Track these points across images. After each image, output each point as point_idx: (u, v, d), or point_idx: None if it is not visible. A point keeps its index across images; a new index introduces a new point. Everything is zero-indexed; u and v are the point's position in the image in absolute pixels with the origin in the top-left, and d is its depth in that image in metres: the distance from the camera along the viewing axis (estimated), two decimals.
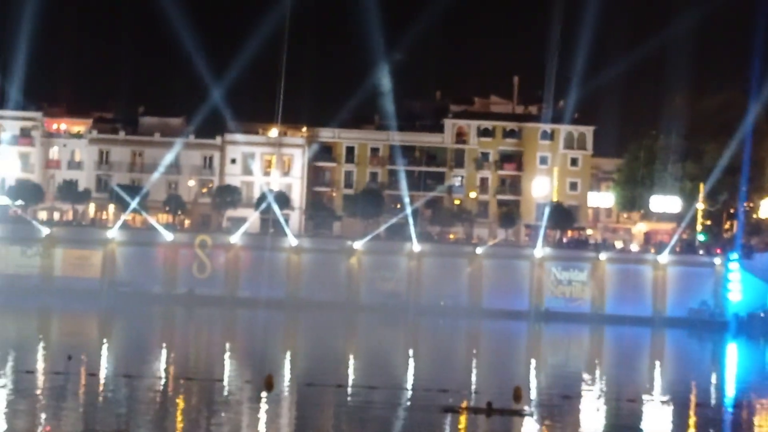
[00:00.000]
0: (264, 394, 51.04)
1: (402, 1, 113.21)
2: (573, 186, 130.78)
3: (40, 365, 61.26)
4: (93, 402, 48.23)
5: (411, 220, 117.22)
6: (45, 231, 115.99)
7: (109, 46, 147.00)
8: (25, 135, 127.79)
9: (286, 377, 59.74)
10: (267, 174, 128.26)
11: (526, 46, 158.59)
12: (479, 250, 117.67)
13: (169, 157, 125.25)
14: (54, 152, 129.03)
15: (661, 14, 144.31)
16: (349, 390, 55.60)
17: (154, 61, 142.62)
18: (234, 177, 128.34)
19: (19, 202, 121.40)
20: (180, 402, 50.04)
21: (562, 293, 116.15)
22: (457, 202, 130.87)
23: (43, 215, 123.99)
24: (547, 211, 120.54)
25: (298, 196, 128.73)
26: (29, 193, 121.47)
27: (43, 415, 44.01)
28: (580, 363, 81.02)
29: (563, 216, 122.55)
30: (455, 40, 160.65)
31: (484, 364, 74.98)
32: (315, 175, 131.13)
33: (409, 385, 59.52)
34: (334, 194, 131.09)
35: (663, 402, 57.47)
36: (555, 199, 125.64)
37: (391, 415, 48.34)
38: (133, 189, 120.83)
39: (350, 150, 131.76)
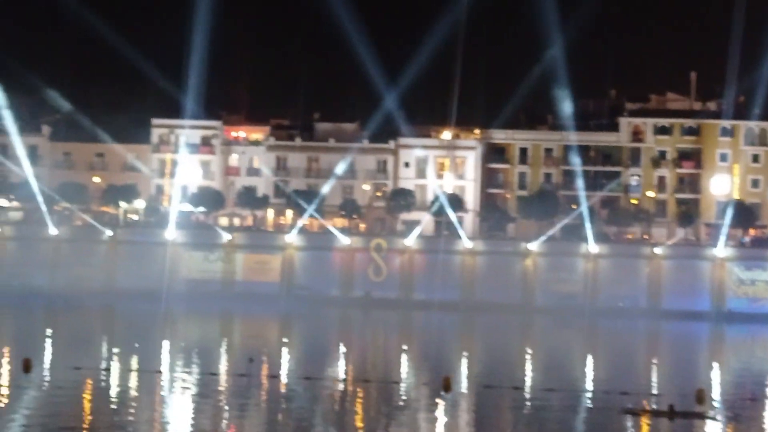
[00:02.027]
0: (442, 395, 51.09)
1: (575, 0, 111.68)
2: (755, 183, 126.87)
3: (223, 367, 62.72)
4: (274, 403, 49.13)
5: (587, 221, 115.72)
6: (226, 237, 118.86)
7: (285, 55, 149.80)
8: (205, 143, 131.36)
9: (463, 379, 59.67)
10: (440, 177, 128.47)
11: (703, 41, 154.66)
12: (658, 250, 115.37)
13: (343, 163, 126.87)
14: (233, 159, 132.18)
15: None
16: (527, 392, 55.18)
17: (328, 67, 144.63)
18: (408, 180, 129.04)
19: (201, 208, 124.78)
20: (359, 404, 50.52)
21: (744, 293, 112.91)
22: (634, 201, 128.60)
23: (223, 221, 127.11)
24: (728, 209, 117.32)
25: (471, 198, 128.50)
26: (210, 199, 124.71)
27: (226, 416, 45.04)
28: (765, 365, 78.51)
29: (745, 214, 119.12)
30: (629, 37, 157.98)
31: (664, 366, 73.42)
32: (488, 177, 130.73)
33: (588, 387, 58.71)
34: (507, 196, 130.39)
35: None
36: (736, 197, 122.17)
37: (570, 417, 47.75)
38: (309, 194, 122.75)
39: (523, 151, 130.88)
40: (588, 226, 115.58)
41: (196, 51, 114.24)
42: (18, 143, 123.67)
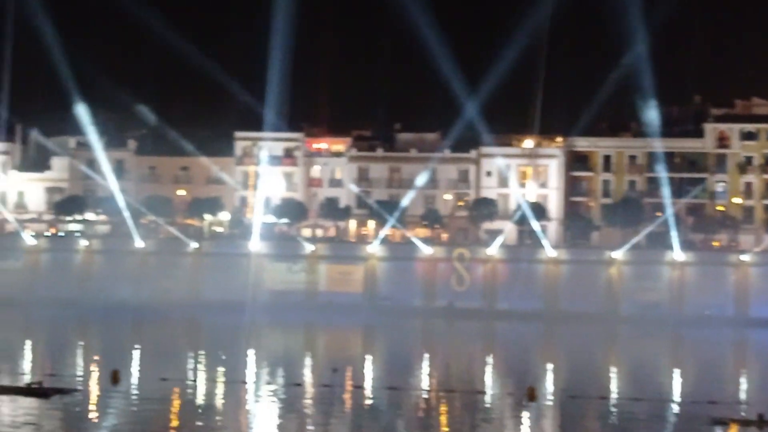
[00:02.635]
0: (526, 405, 50.79)
1: (659, 3, 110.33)
2: None
3: (308, 378, 63.02)
4: (359, 413, 49.24)
5: (672, 228, 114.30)
6: (309, 248, 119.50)
7: (366, 66, 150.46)
8: (288, 155, 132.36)
9: (548, 389, 59.26)
10: (523, 185, 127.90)
11: None
12: (745, 258, 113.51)
13: (425, 173, 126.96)
14: (316, 171, 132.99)
15: None
16: (613, 402, 54.58)
17: (409, 77, 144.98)
18: (490, 189, 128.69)
19: (284, 220, 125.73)
20: (443, 414, 50.42)
21: None
22: (720, 208, 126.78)
23: (306, 232, 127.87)
24: None
25: (554, 206, 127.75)
26: (293, 211, 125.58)
27: (311, 426, 45.23)
28: None
29: None
30: (713, 42, 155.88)
31: (753, 375, 72.18)
32: (571, 185, 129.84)
33: (675, 396, 57.94)
34: (591, 204, 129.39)
35: None
36: None
37: (657, 427, 47.18)
38: (391, 204, 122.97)
39: (607, 158, 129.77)
40: (673, 233, 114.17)
41: (277, 64, 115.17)
42: (105, 158, 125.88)
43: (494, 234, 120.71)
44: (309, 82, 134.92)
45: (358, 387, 57.29)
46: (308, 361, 73.80)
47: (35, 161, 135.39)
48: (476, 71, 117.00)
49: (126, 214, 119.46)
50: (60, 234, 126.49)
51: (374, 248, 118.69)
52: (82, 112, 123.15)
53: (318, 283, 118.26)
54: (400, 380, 59.25)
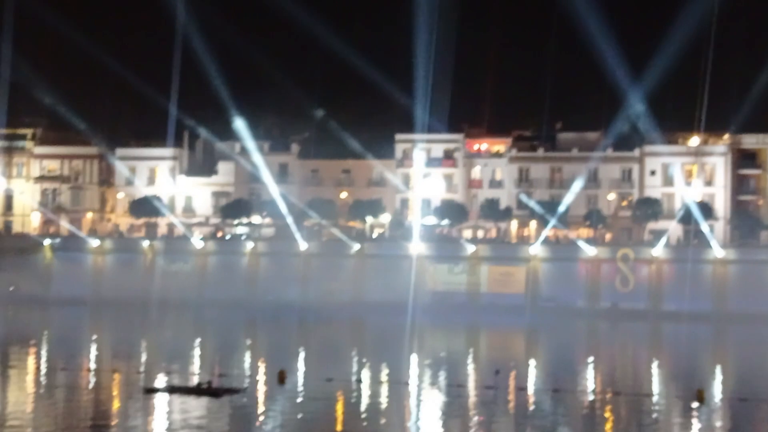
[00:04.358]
0: (695, 408, 49.65)
1: None
2: None
3: (470, 379, 62.94)
4: (522, 415, 48.94)
5: None
6: (470, 249, 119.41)
7: (526, 65, 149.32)
8: (448, 157, 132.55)
9: (717, 391, 57.83)
10: (688, 184, 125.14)
11: None
12: None
13: (587, 172, 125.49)
14: (476, 172, 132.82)
15: None
16: None
17: (570, 76, 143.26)
18: (654, 189, 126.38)
19: (445, 221, 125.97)
20: (608, 416, 49.70)
21: None
22: None
23: (467, 233, 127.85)
24: None
25: (721, 205, 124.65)
26: (454, 212, 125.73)
27: (474, 428, 45.15)
28: None
29: None
30: None
31: None
32: (739, 184, 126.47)
33: None
34: (760, 202, 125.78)
35: None
36: None
37: None
38: (552, 205, 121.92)
39: None
40: None
41: (437, 66, 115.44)
42: (267, 162, 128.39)
43: (659, 234, 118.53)
44: (469, 84, 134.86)
45: (522, 389, 56.92)
46: (471, 363, 73.70)
47: (202, 166, 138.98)
48: (638, 67, 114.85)
49: (289, 217, 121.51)
50: (226, 237, 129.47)
51: (536, 249, 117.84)
52: (240, 125, 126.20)
53: (480, 284, 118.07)
54: (564, 382, 58.65)
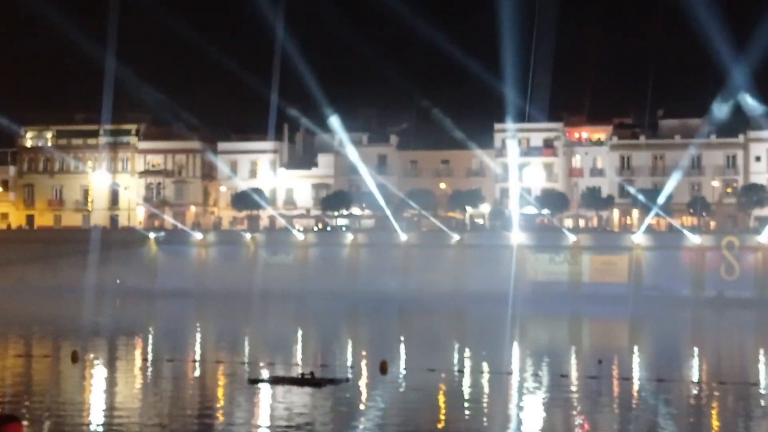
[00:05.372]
0: None
1: None
2: None
3: (573, 369, 62.48)
4: (626, 405, 48.44)
5: None
6: (571, 238, 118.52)
7: (627, 52, 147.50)
8: (548, 146, 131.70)
9: None
10: None
11: None
12: None
13: (689, 159, 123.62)
14: (576, 161, 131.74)
15: None
16: None
17: (672, 62, 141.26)
18: (759, 175, 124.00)
19: (546, 210, 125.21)
20: (715, 407, 48.93)
21: None
22: None
23: (568, 223, 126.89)
24: None
25: None
26: (554, 201, 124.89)
27: (578, 418, 44.84)
28: None
29: None
30: None
31: None
32: None
33: None
34: None
35: None
36: None
37: None
38: (655, 192, 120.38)
39: None
40: None
41: (537, 54, 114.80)
42: (366, 154, 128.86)
43: (765, 221, 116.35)
44: (569, 72, 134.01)
45: (626, 379, 56.31)
46: (573, 353, 73.16)
47: (302, 159, 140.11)
48: (742, 52, 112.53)
49: (387, 208, 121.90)
50: (327, 229, 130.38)
51: (638, 237, 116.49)
52: (335, 122, 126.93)
53: (581, 273, 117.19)
54: (668, 372, 57.85)
